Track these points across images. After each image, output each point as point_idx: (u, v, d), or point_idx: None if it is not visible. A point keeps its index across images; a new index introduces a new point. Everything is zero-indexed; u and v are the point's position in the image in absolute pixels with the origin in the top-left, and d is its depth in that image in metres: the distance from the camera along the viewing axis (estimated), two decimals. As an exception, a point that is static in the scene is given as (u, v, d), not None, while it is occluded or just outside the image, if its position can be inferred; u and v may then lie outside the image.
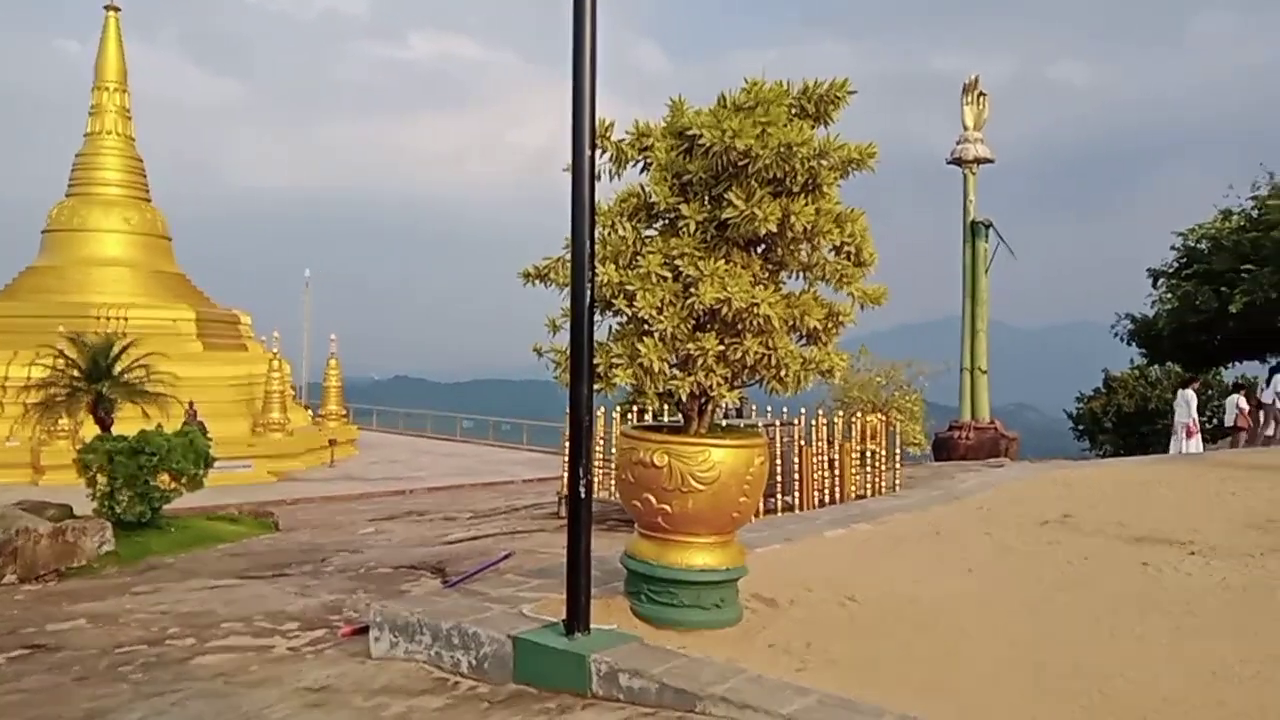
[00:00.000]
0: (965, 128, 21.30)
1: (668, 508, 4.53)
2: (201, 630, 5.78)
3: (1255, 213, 20.85)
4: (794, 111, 4.52)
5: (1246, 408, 19.43)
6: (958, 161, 21.32)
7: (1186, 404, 19.06)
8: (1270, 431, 19.17)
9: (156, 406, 19.21)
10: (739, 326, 4.43)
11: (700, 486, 4.48)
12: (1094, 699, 3.93)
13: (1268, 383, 20.11)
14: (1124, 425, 30.84)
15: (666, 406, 4.94)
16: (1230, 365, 25.26)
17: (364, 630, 5.12)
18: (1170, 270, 22.76)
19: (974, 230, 21.04)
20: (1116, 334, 25.33)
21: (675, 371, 4.52)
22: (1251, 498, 10.00)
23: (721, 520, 4.64)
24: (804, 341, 4.76)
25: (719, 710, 3.71)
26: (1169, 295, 22.20)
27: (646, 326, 4.43)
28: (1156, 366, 29.09)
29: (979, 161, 21.18)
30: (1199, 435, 18.93)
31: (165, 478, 10.61)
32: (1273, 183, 21.16)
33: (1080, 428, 32.82)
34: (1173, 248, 22.86)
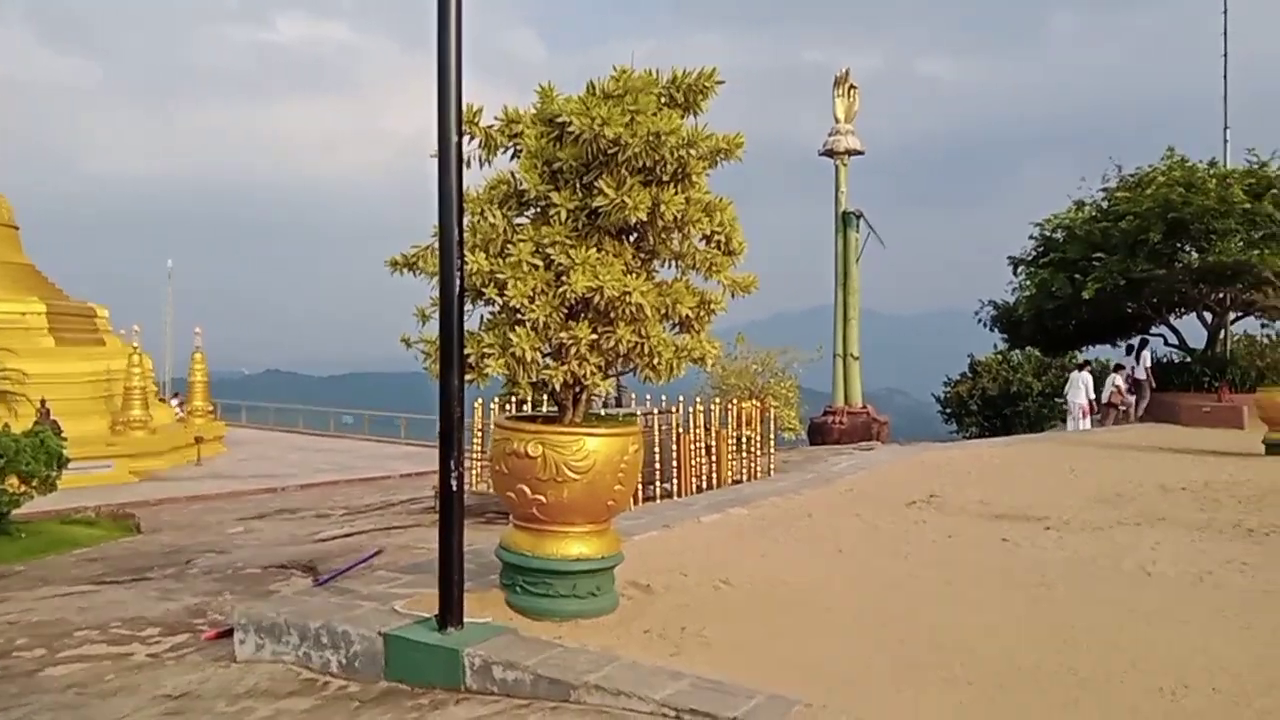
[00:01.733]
0: (837, 120, 21.85)
1: (542, 498, 4.50)
2: (53, 640, 5.47)
3: (1105, 204, 21.96)
4: (663, 100, 4.53)
5: (1123, 385, 20.65)
6: (830, 153, 21.86)
7: (1084, 385, 20.50)
8: (1144, 406, 20.38)
9: (4, 405, 18.15)
10: (612, 315, 4.42)
11: (575, 476, 4.46)
12: (954, 670, 4.09)
13: (1136, 359, 21.31)
14: (988, 408, 32.22)
15: (545, 397, 4.91)
16: (1084, 349, 26.63)
17: (229, 633, 4.93)
18: (1029, 259, 23.79)
19: (845, 220, 21.62)
20: (980, 320, 26.35)
21: (548, 361, 4.50)
22: (1102, 475, 10.57)
23: (597, 509, 4.63)
24: (677, 329, 4.78)
25: (593, 699, 3.72)
26: (1028, 283, 23.19)
27: (518, 315, 4.39)
28: (1018, 351, 30.45)
29: (850, 153, 21.76)
30: (1092, 415, 20.26)
31: (14, 480, 10.04)
32: (1121, 175, 22.33)
33: (948, 411, 34.14)
34: (1031, 237, 23.92)
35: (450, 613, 4.29)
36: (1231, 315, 22.23)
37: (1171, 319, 23.13)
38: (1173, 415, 19.43)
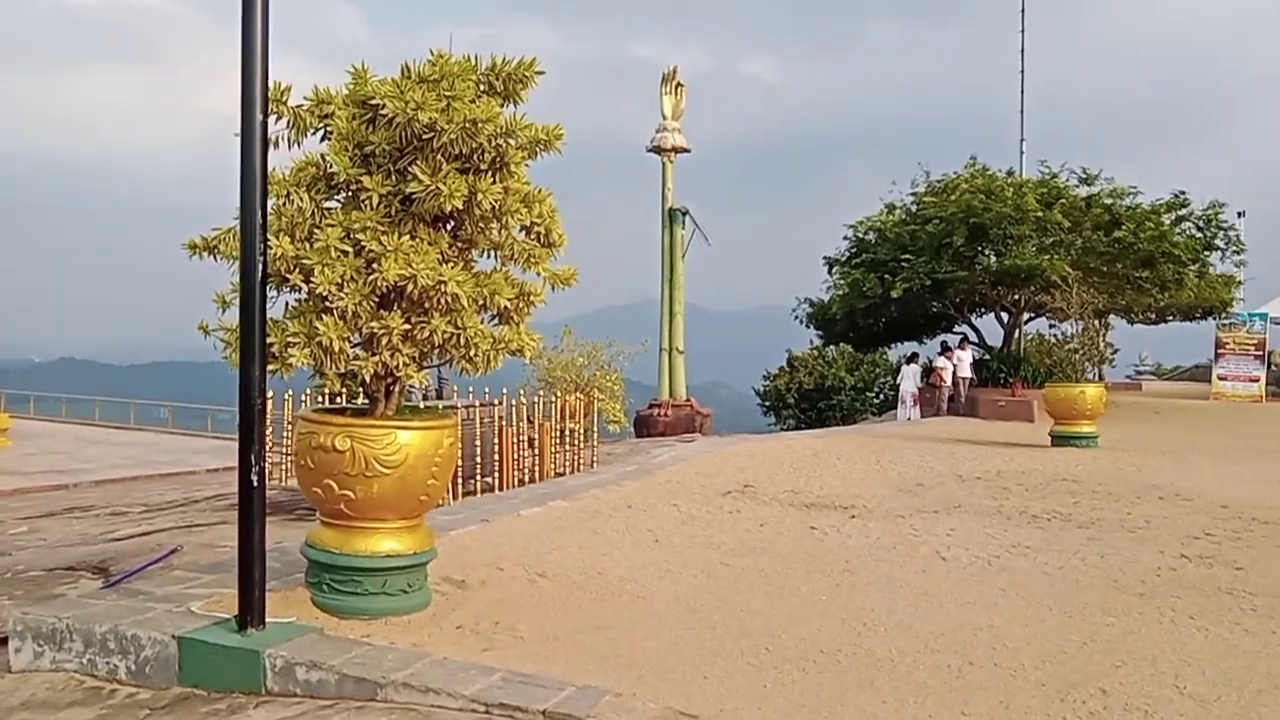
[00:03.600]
0: (664, 117, 22.17)
1: (351, 493, 4.36)
2: None
3: (914, 207, 23.12)
4: (482, 88, 4.46)
5: (942, 366, 21.90)
6: (657, 149, 22.15)
7: (912, 376, 22.06)
8: (962, 399, 21.57)
9: None
10: (426, 305, 4.33)
11: (385, 470, 4.34)
12: (761, 655, 4.21)
13: (941, 352, 22.53)
14: (805, 401, 33.45)
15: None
16: (892, 345, 27.99)
17: (3, 642, 4.56)
18: (842, 259, 24.74)
19: (671, 217, 21.98)
20: (796, 317, 27.23)
21: (358, 351, 4.36)
22: (905, 465, 11.14)
23: (409, 504, 4.53)
24: (495, 321, 4.73)
25: (401, 697, 3.63)
26: (841, 282, 24.13)
27: (326, 303, 4.24)
28: (832, 347, 31.70)
29: (676, 150, 22.11)
30: (921, 404, 21.42)
31: None
32: (928, 181, 23.55)
33: (767, 404, 35.23)
34: (845, 238, 24.91)
35: (251, 613, 4.11)
36: (1025, 316, 23.84)
37: (973, 318, 24.59)
38: (972, 409, 20.70)
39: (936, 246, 20.95)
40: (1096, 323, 17.55)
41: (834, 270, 25.03)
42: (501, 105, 4.47)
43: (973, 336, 24.68)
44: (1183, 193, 22.04)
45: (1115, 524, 7.58)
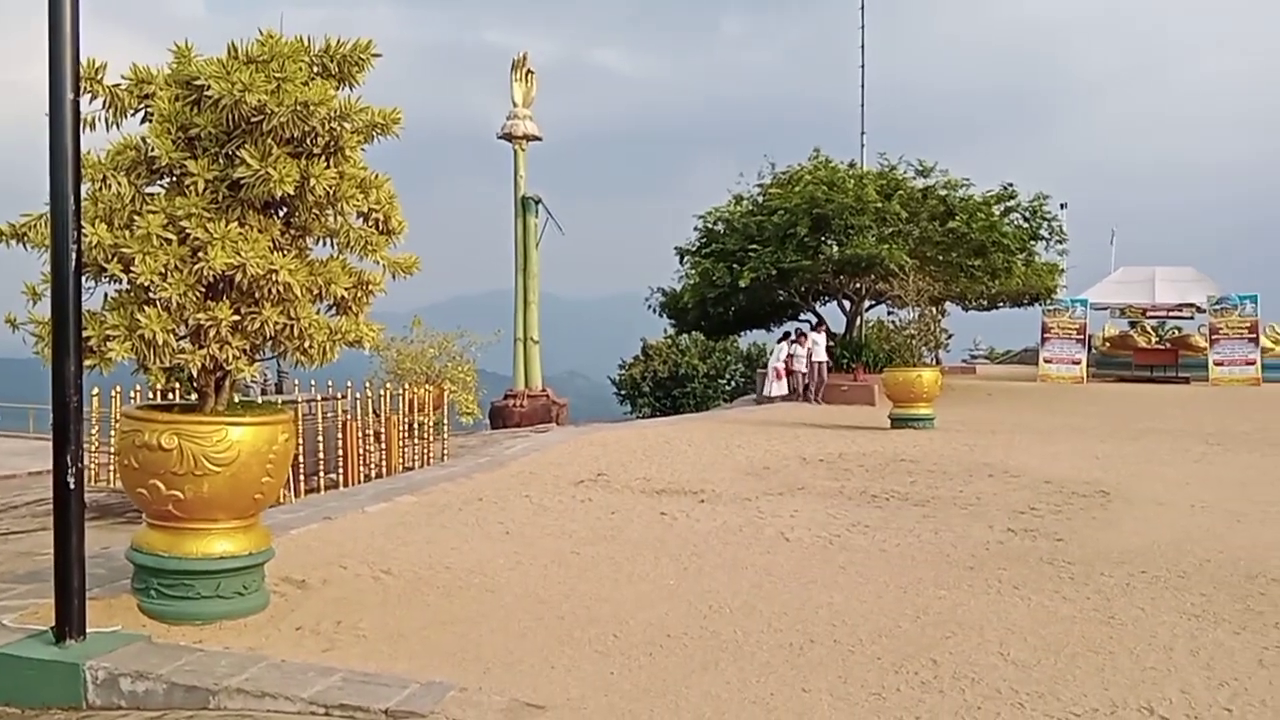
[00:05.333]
0: (515, 104, 21.92)
1: (179, 493, 4.16)
2: None
3: (760, 199, 23.67)
4: (315, 70, 4.31)
5: (792, 353, 22.52)
6: (508, 137, 21.90)
7: (777, 355, 22.56)
8: (817, 382, 22.13)
9: None
10: (257, 295, 4.16)
11: (216, 468, 4.16)
12: (609, 642, 4.23)
13: (795, 341, 23.16)
14: (659, 389, 33.91)
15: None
16: (742, 334, 28.60)
17: None
18: (693, 249, 25.14)
19: (524, 205, 21.79)
20: (650, 306, 27.52)
21: (184, 344, 4.15)
22: (752, 450, 11.40)
23: (243, 503, 4.35)
24: (332, 311, 4.59)
25: (235, 703, 3.49)
26: (692, 271, 24.51)
27: (149, 294, 4.02)
28: (685, 336, 32.20)
29: (528, 138, 21.92)
30: (785, 379, 21.77)
31: None
32: (774, 172, 24.15)
33: (623, 392, 35.55)
34: (695, 228, 25.31)
35: (69, 623, 3.87)
36: (866, 303, 24.74)
37: (817, 306, 25.37)
38: (819, 394, 21.38)
39: (782, 237, 21.50)
40: (933, 309, 18.35)
41: (685, 260, 25.38)
42: (336, 88, 4.33)
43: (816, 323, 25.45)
44: (1011, 185, 23.31)
45: (949, 501, 7.96)
